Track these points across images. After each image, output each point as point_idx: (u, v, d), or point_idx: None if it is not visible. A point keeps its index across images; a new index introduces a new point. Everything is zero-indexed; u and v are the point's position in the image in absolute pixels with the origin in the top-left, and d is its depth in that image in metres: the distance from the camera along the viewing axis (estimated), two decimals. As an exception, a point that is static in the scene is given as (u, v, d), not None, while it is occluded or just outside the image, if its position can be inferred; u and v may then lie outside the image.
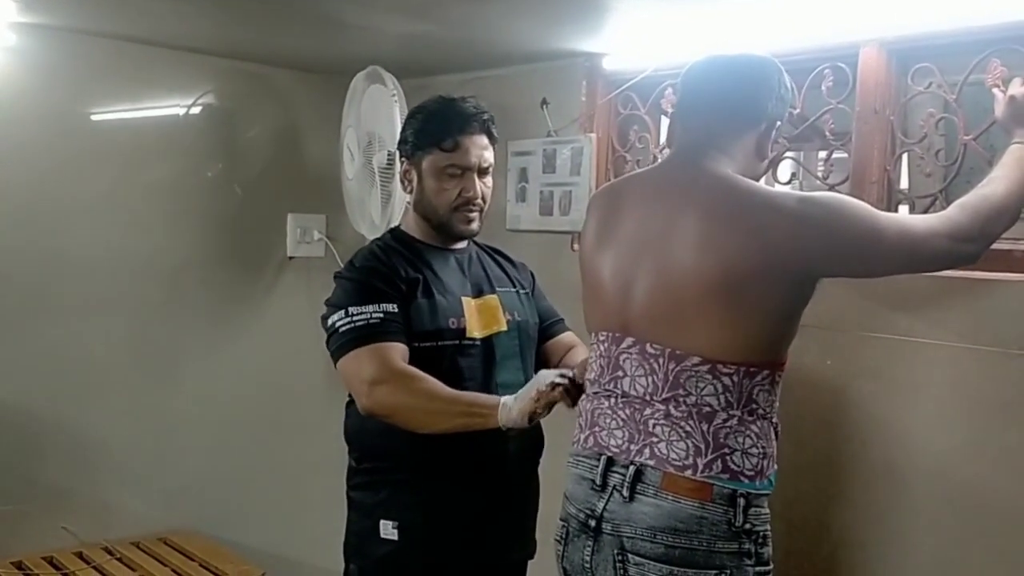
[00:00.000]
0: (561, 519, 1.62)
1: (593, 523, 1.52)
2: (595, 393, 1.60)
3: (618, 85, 2.44)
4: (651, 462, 1.48)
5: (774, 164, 2.08)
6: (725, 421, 1.46)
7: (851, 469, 1.98)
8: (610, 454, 1.53)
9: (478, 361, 1.84)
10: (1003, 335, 1.75)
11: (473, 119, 1.86)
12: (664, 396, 1.49)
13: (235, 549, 2.69)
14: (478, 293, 1.90)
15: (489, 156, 1.89)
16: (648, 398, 1.51)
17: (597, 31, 2.25)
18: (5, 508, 2.48)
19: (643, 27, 2.18)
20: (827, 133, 2.03)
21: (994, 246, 1.56)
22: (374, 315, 1.75)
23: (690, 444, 1.46)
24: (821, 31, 1.99)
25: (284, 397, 3.02)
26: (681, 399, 1.47)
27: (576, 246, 2.44)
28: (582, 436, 1.61)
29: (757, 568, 1.47)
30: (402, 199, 2.49)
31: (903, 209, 1.99)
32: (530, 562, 2.00)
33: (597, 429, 1.57)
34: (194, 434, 2.83)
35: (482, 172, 1.88)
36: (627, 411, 1.53)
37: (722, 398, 1.46)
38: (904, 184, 2.00)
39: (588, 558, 1.53)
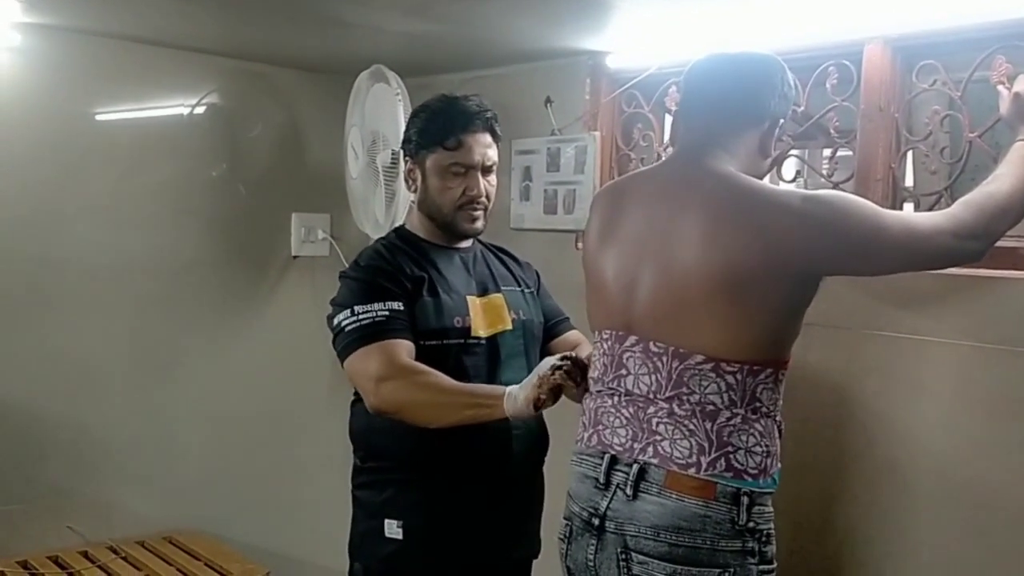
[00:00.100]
0: (565, 518, 1.63)
1: (597, 521, 1.52)
2: (599, 391, 1.60)
3: (622, 83, 2.44)
4: (655, 460, 1.48)
5: (778, 162, 2.08)
6: (729, 419, 1.46)
7: (855, 467, 1.98)
8: (614, 452, 1.53)
9: (483, 360, 1.84)
10: (1008, 333, 1.75)
11: (476, 117, 1.85)
12: (668, 394, 1.49)
13: (240, 548, 2.70)
14: (483, 292, 1.90)
15: (493, 154, 1.89)
16: (652, 396, 1.51)
17: (601, 29, 2.24)
18: (10, 507, 2.49)
19: (647, 25, 2.17)
20: (831, 131, 2.03)
21: (999, 244, 1.56)
22: (380, 313, 1.75)
23: (693, 442, 1.46)
24: (825, 29, 1.98)
25: (289, 396, 3.02)
26: (685, 397, 1.47)
27: (580, 245, 2.43)
28: (586, 434, 1.61)
29: (761, 567, 1.47)
30: (406, 198, 2.48)
31: (908, 207, 1.98)
32: (535, 561, 2.00)
33: (601, 427, 1.57)
34: (199, 433, 2.83)
35: (486, 170, 1.88)
36: (631, 409, 1.53)
37: (726, 396, 1.46)
38: (909, 182, 2.00)
39: (592, 556, 1.53)
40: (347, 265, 1.93)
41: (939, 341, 1.84)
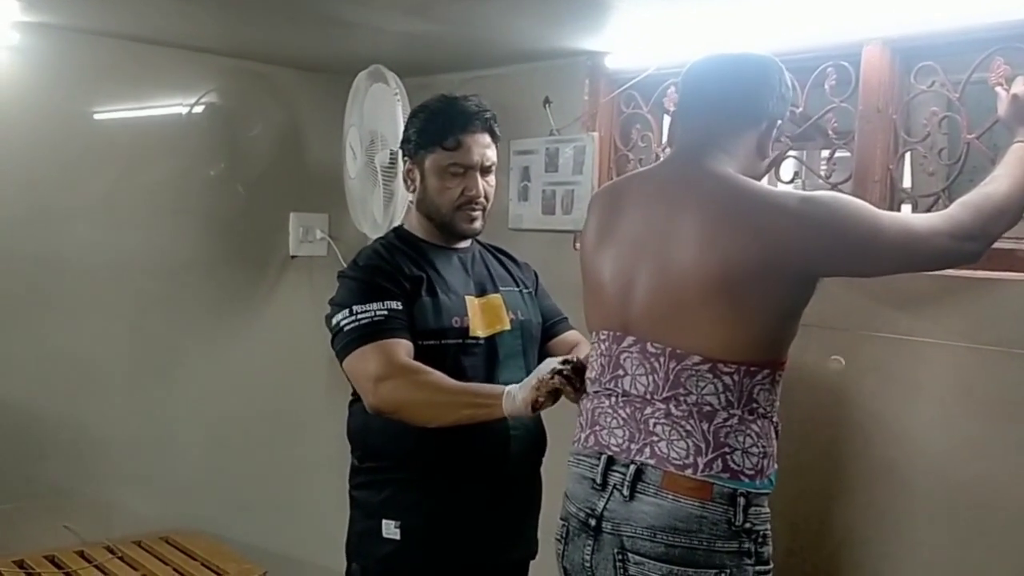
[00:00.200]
0: (561, 518, 1.63)
1: (593, 522, 1.52)
2: (596, 392, 1.60)
3: (620, 84, 2.44)
4: (651, 461, 1.48)
5: (776, 163, 2.08)
6: (725, 420, 1.46)
7: (852, 468, 1.98)
8: (610, 453, 1.53)
9: (481, 360, 1.84)
10: (1005, 334, 1.75)
11: (475, 117, 1.86)
12: (665, 395, 1.49)
13: (237, 548, 2.69)
14: (481, 292, 1.90)
15: (492, 154, 1.89)
16: (649, 397, 1.51)
17: (599, 30, 2.25)
18: (7, 507, 2.48)
19: (646, 26, 2.18)
20: (830, 132, 2.03)
21: (996, 245, 1.56)
22: (378, 313, 1.75)
23: (690, 443, 1.46)
24: (824, 30, 1.98)
25: (287, 396, 3.02)
26: (682, 398, 1.47)
27: (578, 245, 2.43)
28: (583, 435, 1.61)
29: (757, 567, 1.47)
30: (404, 198, 2.48)
31: (906, 208, 1.98)
32: (532, 562, 2.00)
33: (598, 428, 1.57)
34: (196, 433, 2.83)
35: (485, 171, 1.88)
36: (627, 410, 1.53)
37: (723, 397, 1.46)
38: (907, 183, 2.00)
39: (588, 557, 1.53)
40: (345, 265, 1.93)
41: (936, 342, 1.85)
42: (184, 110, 2.78)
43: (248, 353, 2.94)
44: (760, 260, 1.43)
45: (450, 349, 1.81)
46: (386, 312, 1.76)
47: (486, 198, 1.89)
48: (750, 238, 1.43)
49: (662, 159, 1.79)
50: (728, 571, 1.44)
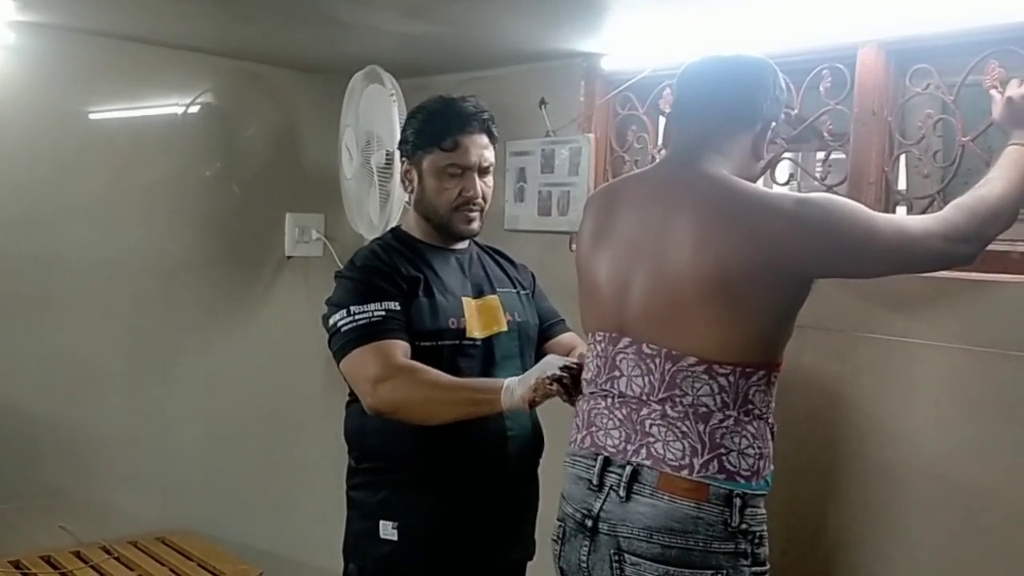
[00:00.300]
0: (558, 519, 1.63)
1: (590, 523, 1.53)
2: (592, 393, 1.61)
3: (616, 85, 2.45)
4: (648, 462, 1.48)
5: (772, 165, 2.08)
6: (721, 421, 1.47)
7: (848, 469, 1.98)
8: (607, 454, 1.54)
9: (478, 362, 1.84)
10: (999, 336, 1.76)
11: (473, 118, 1.86)
12: (660, 396, 1.49)
13: (233, 549, 2.69)
14: (478, 293, 1.91)
15: (489, 155, 1.89)
16: (645, 398, 1.51)
17: (595, 31, 2.25)
18: (3, 507, 2.48)
19: (641, 27, 2.18)
20: (825, 134, 2.04)
21: (991, 247, 1.56)
22: (376, 313, 1.75)
23: (686, 444, 1.47)
24: (819, 32, 1.99)
25: (283, 397, 3.02)
26: (677, 399, 1.48)
27: (574, 246, 2.44)
28: (579, 436, 1.61)
29: (753, 568, 1.47)
30: (400, 199, 2.49)
31: (901, 210, 1.99)
32: (529, 563, 2.00)
33: (594, 429, 1.58)
34: (192, 434, 2.83)
35: (482, 171, 1.88)
36: (624, 411, 1.53)
37: (718, 398, 1.47)
38: (902, 185, 2.00)
39: (585, 558, 1.54)
40: (341, 265, 1.93)
41: (931, 344, 1.85)
42: (180, 110, 2.77)
43: (244, 353, 2.94)
44: (755, 262, 1.44)
45: (447, 350, 1.81)
46: (383, 313, 1.76)
47: (484, 199, 1.89)
48: (745, 240, 1.44)
49: (658, 161, 1.80)
50: (724, 572, 1.44)
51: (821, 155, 2.10)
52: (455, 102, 1.88)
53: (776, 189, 2.10)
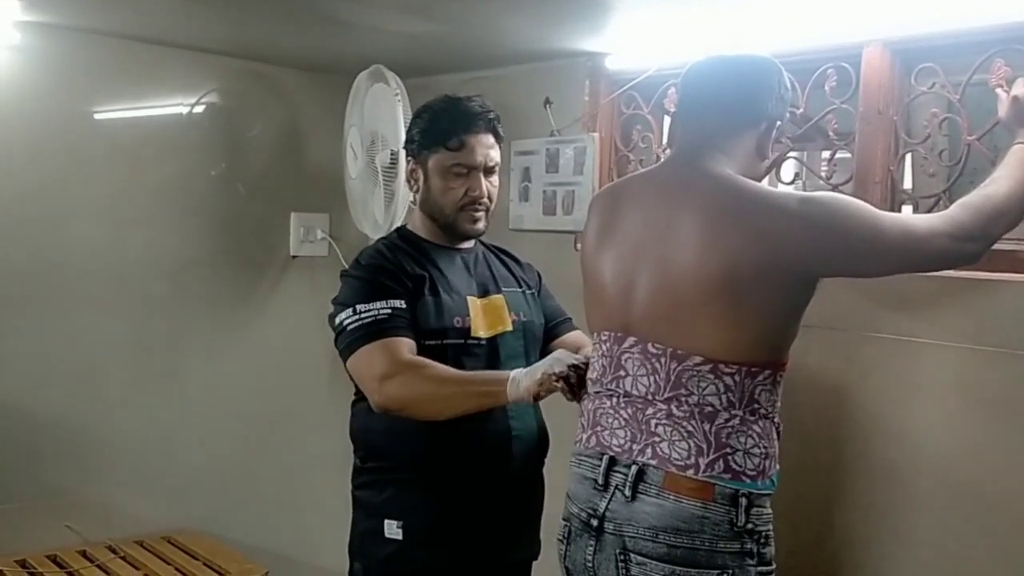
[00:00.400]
0: (564, 519, 1.63)
1: (595, 523, 1.53)
2: (597, 393, 1.61)
3: (621, 85, 2.45)
4: (653, 462, 1.48)
5: (777, 164, 2.08)
6: (727, 421, 1.47)
7: (853, 469, 1.98)
8: (612, 454, 1.54)
9: (483, 361, 1.84)
10: (1006, 336, 1.75)
11: (479, 118, 1.86)
12: (666, 396, 1.49)
13: (239, 548, 2.70)
14: (484, 293, 1.91)
15: (495, 155, 1.89)
16: (650, 398, 1.51)
17: (600, 31, 2.25)
18: (9, 507, 2.49)
19: (646, 27, 2.18)
20: (830, 133, 2.03)
21: (997, 246, 1.56)
22: (382, 311, 1.75)
23: (692, 444, 1.46)
24: (825, 31, 1.98)
25: (288, 396, 3.03)
26: (683, 399, 1.48)
27: (579, 246, 2.44)
28: (584, 436, 1.61)
29: (759, 568, 1.47)
30: (405, 198, 2.49)
31: (906, 209, 1.99)
32: (534, 563, 2.00)
33: (599, 429, 1.58)
34: (198, 433, 2.83)
35: (488, 171, 1.88)
36: (629, 411, 1.53)
37: (724, 398, 1.47)
38: (908, 184, 2.00)
39: (590, 558, 1.54)
40: (346, 265, 1.93)
41: (937, 344, 1.85)
42: (185, 110, 2.78)
43: (249, 353, 2.94)
44: (760, 261, 1.43)
45: (451, 349, 1.81)
46: (389, 311, 1.76)
47: (489, 198, 1.89)
48: (750, 239, 1.44)
49: (662, 160, 1.80)
50: (730, 571, 1.44)
51: (826, 154, 2.10)
52: (461, 101, 1.88)
53: (781, 188, 2.10)
